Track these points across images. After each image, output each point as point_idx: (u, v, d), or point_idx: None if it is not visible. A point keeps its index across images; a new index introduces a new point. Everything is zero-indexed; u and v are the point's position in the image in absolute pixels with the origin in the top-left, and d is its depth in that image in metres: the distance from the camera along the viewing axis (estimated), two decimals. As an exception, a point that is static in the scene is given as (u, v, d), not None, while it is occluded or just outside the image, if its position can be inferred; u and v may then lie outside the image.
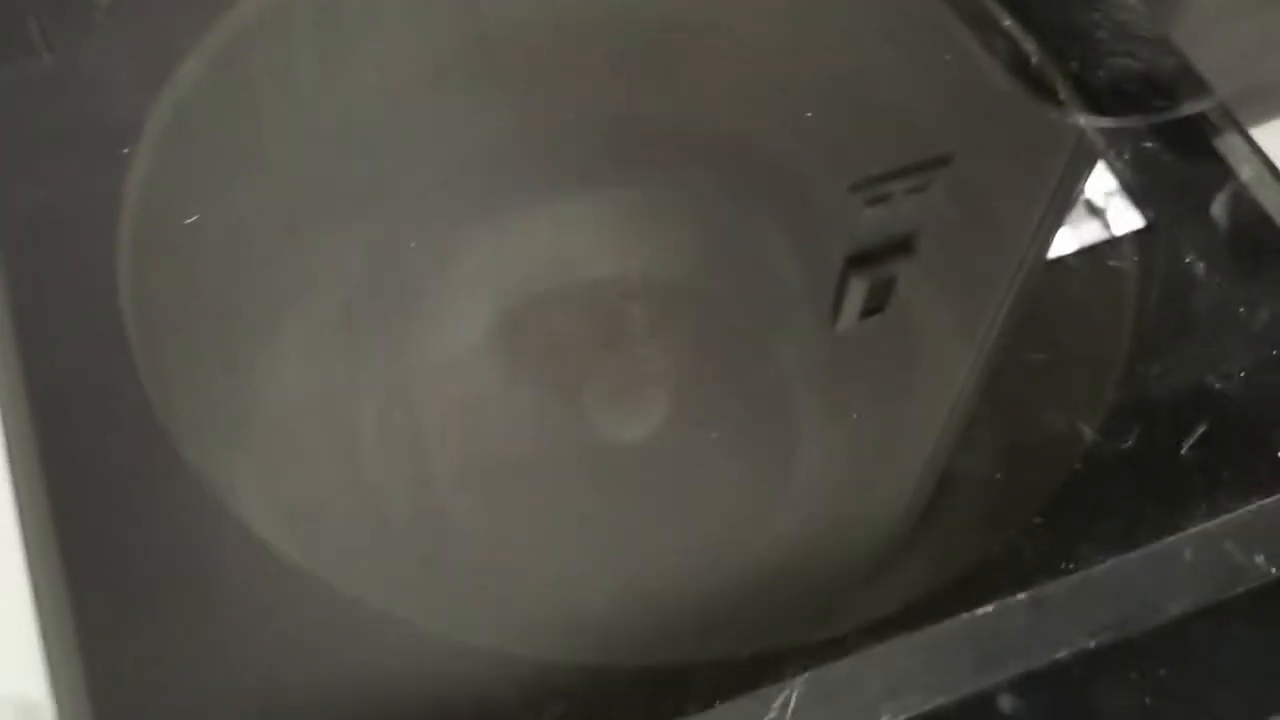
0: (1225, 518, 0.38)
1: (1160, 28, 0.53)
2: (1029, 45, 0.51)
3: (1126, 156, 0.48)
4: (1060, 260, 0.46)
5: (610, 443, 0.44)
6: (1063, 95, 0.50)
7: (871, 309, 0.46)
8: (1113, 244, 0.46)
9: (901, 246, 0.47)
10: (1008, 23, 0.51)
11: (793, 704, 0.34)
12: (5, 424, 0.39)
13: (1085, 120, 0.49)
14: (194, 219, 0.43)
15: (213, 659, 0.36)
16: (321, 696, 0.36)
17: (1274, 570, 0.37)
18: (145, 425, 0.39)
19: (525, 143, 0.50)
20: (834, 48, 0.52)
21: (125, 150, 0.43)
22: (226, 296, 0.44)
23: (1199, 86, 0.51)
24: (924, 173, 0.49)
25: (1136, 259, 0.45)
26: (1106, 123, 0.50)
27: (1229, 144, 0.49)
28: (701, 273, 0.48)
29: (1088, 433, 0.40)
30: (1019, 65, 0.51)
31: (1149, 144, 0.49)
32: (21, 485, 0.38)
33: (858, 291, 0.46)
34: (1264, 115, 0.52)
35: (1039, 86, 0.50)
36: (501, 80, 0.51)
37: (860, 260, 0.47)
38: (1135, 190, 0.48)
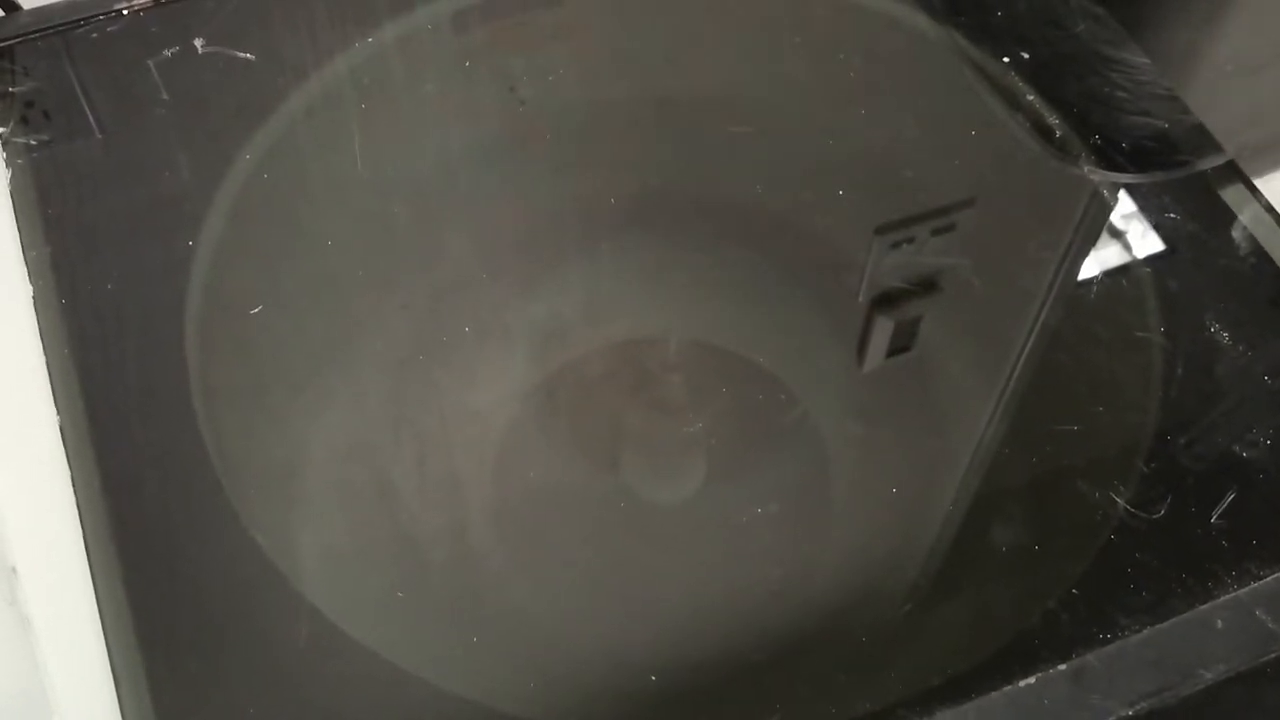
0: (1255, 585, 0.39)
1: (1175, 87, 0.54)
2: (1052, 117, 0.52)
3: (1146, 213, 0.50)
4: (1089, 331, 0.47)
5: (646, 503, 0.45)
6: (1083, 155, 0.51)
7: (896, 350, 0.47)
8: (1138, 312, 0.47)
9: (926, 296, 0.48)
10: (1031, 97, 0.52)
11: (845, 777, 0.36)
12: (79, 502, 0.41)
13: (1101, 177, 0.50)
14: (258, 309, 0.44)
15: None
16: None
17: (1305, 637, 0.38)
18: (215, 505, 0.41)
19: (563, 214, 0.52)
20: (865, 125, 0.53)
21: (190, 243, 0.45)
22: (285, 369, 0.46)
23: (1213, 143, 0.52)
24: (947, 215, 0.50)
25: (1163, 329, 0.46)
26: (1124, 179, 0.51)
27: (1244, 200, 0.50)
28: (736, 335, 0.49)
29: (1120, 503, 0.42)
30: (1043, 132, 0.52)
31: (1167, 200, 0.50)
32: (98, 565, 0.40)
33: (883, 332, 0.47)
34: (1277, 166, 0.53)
35: (1063, 151, 0.51)
36: (540, 156, 0.52)
37: (884, 302, 0.48)
38: (1154, 247, 0.49)
